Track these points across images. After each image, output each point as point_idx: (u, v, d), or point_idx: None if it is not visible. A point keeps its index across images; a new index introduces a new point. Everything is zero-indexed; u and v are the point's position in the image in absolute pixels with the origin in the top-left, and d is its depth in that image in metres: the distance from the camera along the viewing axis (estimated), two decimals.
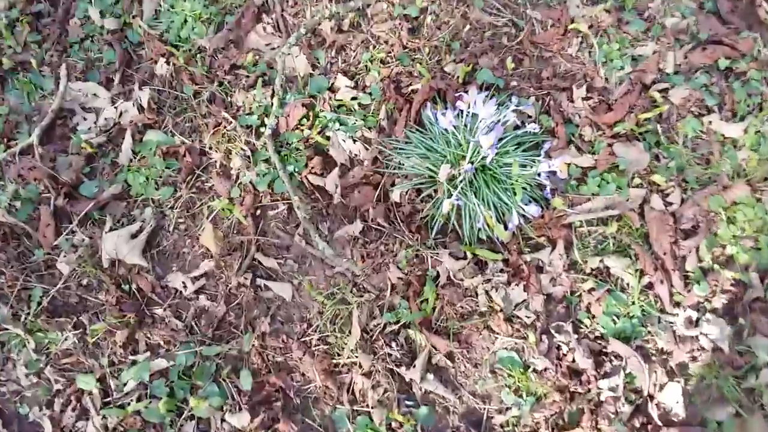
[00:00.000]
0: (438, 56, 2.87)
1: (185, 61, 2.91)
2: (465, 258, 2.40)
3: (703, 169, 2.59)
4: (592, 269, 2.45)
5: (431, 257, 2.41)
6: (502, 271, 2.41)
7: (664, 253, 2.43)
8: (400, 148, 2.65)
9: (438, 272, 2.41)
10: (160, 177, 2.74)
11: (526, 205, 2.49)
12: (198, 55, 2.97)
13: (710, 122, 2.66)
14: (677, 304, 2.38)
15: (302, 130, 2.73)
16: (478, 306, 2.41)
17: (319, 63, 2.93)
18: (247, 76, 2.91)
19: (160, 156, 2.75)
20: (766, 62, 2.75)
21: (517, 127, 2.66)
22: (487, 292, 2.42)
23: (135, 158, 2.78)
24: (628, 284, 2.41)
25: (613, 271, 2.43)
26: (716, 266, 2.42)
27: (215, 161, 2.75)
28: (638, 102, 2.68)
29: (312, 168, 2.58)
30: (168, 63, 2.94)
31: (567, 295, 2.42)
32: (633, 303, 2.33)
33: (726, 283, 2.38)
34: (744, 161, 2.58)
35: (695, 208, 2.51)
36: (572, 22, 2.89)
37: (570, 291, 2.43)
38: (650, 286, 2.36)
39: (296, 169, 2.57)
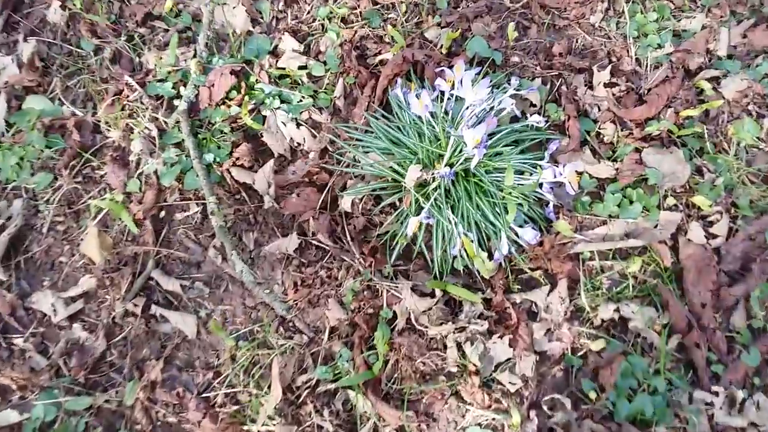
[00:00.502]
0: (418, 17, 2.24)
1: (86, 6, 2.24)
2: (432, 295, 1.92)
3: (761, 190, 1.96)
4: (604, 321, 1.87)
5: (387, 291, 1.92)
6: (481, 316, 1.91)
7: (703, 305, 1.84)
8: (358, 139, 2.06)
9: (395, 312, 1.91)
10: (38, 159, 2.12)
11: (519, 227, 1.91)
12: None
13: None
14: (717, 378, 1.79)
15: (229, 107, 2.13)
16: (445, 364, 1.86)
17: (262, 18, 2.29)
18: (165, 30, 2.27)
19: (41, 130, 2.12)
20: None
21: (515, 119, 2.06)
22: (459, 345, 1.87)
23: (8, 132, 2.13)
24: (651, 345, 1.85)
25: (632, 325, 1.84)
26: None
27: (111, 142, 2.11)
28: (679, 94, 2.06)
29: (238, 158, 2.01)
30: (63, 8, 2.29)
31: (567, 354, 1.85)
32: (657, 373, 1.80)
33: None
34: None
35: (747, 244, 1.91)
36: None
37: (571, 349, 1.85)
38: (681, 349, 1.87)
39: (217, 159, 2.05)
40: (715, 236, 1.97)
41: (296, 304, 1.95)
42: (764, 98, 2.11)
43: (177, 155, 2.10)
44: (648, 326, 1.86)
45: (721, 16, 2.23)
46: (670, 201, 2.01)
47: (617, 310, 1.90)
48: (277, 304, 1.90)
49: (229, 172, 2.07)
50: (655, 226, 1.99)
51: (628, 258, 1.97)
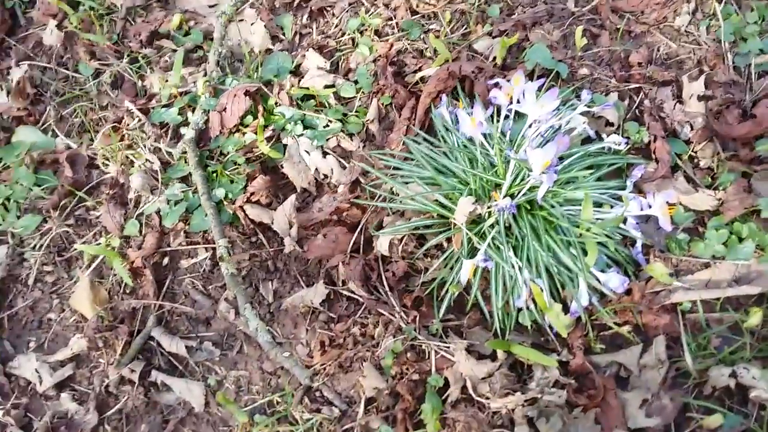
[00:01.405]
0: (465, 26, 2.00)
1: (85, 25, 2.07)
2: (494, 358, 1.66)
3: None
4: (716, 389, 1.56)
5: (436, 353, 1.65)
6: (557, 384, 1.61)
7: None
8: (396, 168, 1.78)
9: (446, 379, 1.65)
10: (26, 199, 1.94)
11: (602, 272, 1.59)
12: (106, 18, 2.13)
13: None
14: None
15: (244, 134, 1.89)
16: None
17: (283, 34, 2.07)
18: (173, 51, 2.07)
19: (30, 166, 1.94)
20: None
21: (587, 140, 1.76)
22: (530, 421, 1.59)
23: None
24: None
25: (755, 395, 1.55)
26: None
27: (109, 178, 1.90)
28: None
29: (253, 194, 1.79)
30: (60, 28, 2.11)
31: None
32: None
33: None
34: None
35: None
36: None
37: (675, 425, 1.48)
38: None
39: (229, 195, 1.90)
40: None
41: (324, 368, 1.69)
42: None
43: (182, 191, 1.91)
44: None
45: None
46: None
47: (733, 374, 1.56)
48: (299, 370, 1.61)
49: (243, 210, 1.84)
50: None
51: (742, 309, 1.63)
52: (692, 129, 1.86)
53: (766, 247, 1.70)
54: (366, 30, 2.10)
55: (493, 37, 2.03)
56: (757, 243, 1.70)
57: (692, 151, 1.85)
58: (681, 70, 1.97)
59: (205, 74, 2.03)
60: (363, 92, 2.03)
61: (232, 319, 1.78)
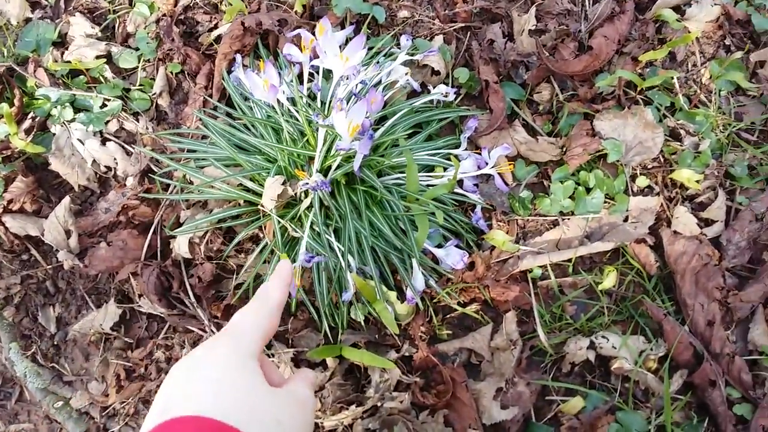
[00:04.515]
0: None
1: None
2: (324, 366, 1.42)
3: (762, 151, 1.53)
4: (575, 365, 1.40)
5: None
6: (399, 386, 1.42)
7: (710, 323, 1.40)
8: (191, 150, 1.49)
9: None
10: None
11: (438, 247, 1.40)
12: None
13: (762, 62, 1.59)
14: (743, 423, 1.35)
15: None
16: None
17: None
18: None
19: None
20: None
21: (413, 94, 1.54)
22: None
23: None
24: (647, 390, 1.39)
25: (617, 366, 1.40)
26: None
27: None
28: (633, 32, 1.60)
29: (14, 201, 1.41)
30: None
31: (531, 422, 1.33)
32: (662, 430, 1.36)
33: None
34: None
35: (754, 227, 1.48)
36: None
37: (536, 413, 1.33)
38: (690, 389, 1.42)
39: None
40: (710, 222, 1.54)
41: (124, 407, 1.40)
42: (746, 26, 1.67)
43: None
44: (639, 364, 1.39)
45: None
46: (642, 181, 1.57)
47: (592, 346, 1.42)
48: (72, 424, 1.33)
49: (2, 223, 1.50)
50: (626, 219, 1.52)
51: (596, 269, 1.49)
52: (527, 69, 1.68)
53: (616, 195, 1.56)
54: None
55: None
56: (606, 192, 1.56)
57: (529, 95, 1.68)
58: (511, 2, 1.79)
59: None
60: (146, 60, 1.72)
61: (4, 361, 1.48)
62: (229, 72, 1.64)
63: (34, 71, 1.64)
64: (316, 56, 1.49)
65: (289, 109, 1.51)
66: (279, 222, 1.42)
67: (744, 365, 1.41)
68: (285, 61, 1.63)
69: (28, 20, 1.77)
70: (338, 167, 1.42)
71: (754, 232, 1.52)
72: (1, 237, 1.53)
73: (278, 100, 1.47)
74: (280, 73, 1.48)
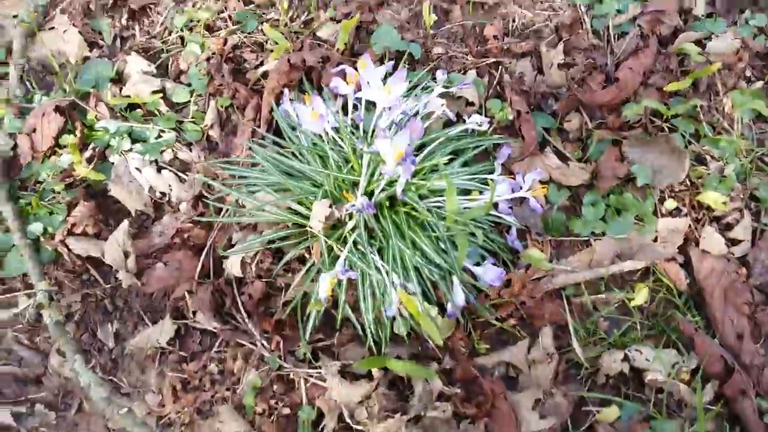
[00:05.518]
0: (306, 13, 1.85)
1: None
2: (370, 378, 1.51)
3: None
4: (610, 377, 1.48)
5: (306, 380, 1.50)
6: (441, 396, 1.49)
7: (739, 336, 1.48)
8: (242, 176, 1.61)
9: (320, 410, 1.50)
10: None
11: (476, 265, 1.50)
12: None
13: None
14: None
15: (60, 156, 1.65)
16: None
17: (102, 39, 1.86)
18: None
19: None
20: None
21: (448, 124, 1.65)
22: None
23: None
24: (680, 402, 1.48)
25: (650, 378, 1.49)
26: None
27: None
28: (657, 65, 1.71)
29: (75, 225, 1.55)
30: None
31: (569, 430, 1.39)
32: None
33: None
34: None
35: None
36: None
37: (572, 421, 1.40)
38: (721, 399, 1.50)
39: (48, 229, 1.70)
40: (737, 242, 1.66)
41: (180, 417, 1.49)
42: (765, 58, 1.78)
43: None
44: (672, 376, 1.47)
45: None
46: (670, 204, 1.68)
47: (626, 359, 1.51)
48: (138, 429, 1.41)
49: (66, 246, 1.62)
50: (655, 240, 1.61)
51: (627, 286, 1.57)
52: (557, 100, 1.80)
53: (645, 216, 1.65)
54: (194, 26, 1.92)
55: (338, 22, 1.91)
56: (636, 214, 1.66)
57: (559, 123, 1.79)
58: (539, 39, 1.92)
59: (8, 95, 1.80)
60: (198, 95, 1.86)
61: (67, 374, 1.58)
62: (278, 104, 1.76)
63: (95, 105, 1.78)
64: (359, 89, 1.61)
65: (334, 138, 1.63)
66: (326, 242, 1.52)
67: None
68: (329, 94, 1.75)
69: (86, 58, 1.92)
70: (382, 191, 1.53)
71: None
72: (64, 258, 1.65)
73: (324, 130, 1.59)
74: (325, 104, 1.61)
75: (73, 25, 1.95)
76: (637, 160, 1.71)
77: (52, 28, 1.96)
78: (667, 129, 1.75)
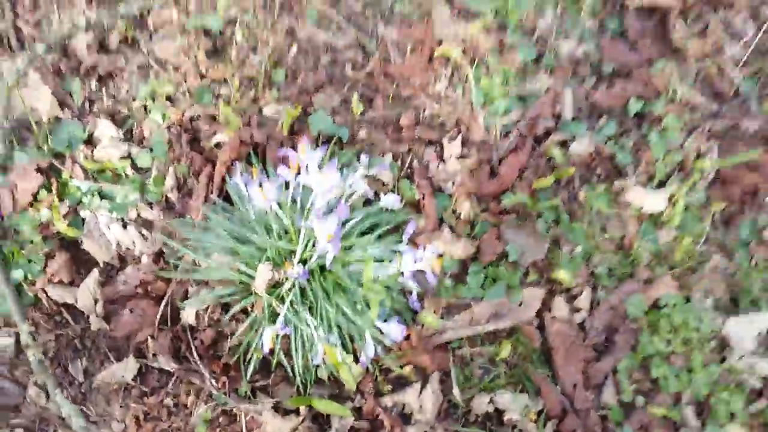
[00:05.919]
0: (253, 92, 2.19)
1: None
2: (297, 413, 1.87)
3: (618, 258, 2.12)
4: (479, 415, 1.93)
5: (246, 414, 1.80)
6: (352, 429, 1.87)
7: (574, 386, 1.96)
8: (197, 238, 1.95)
9: None
10: None
11: (384, 321, 1.89)
12: None
13: (622, 189, 2.19)
14: None
15: (39, 210, 1.94)
16: None
17: (72, 100, 2.15)
18: None
19: None
20: (685, 104, 2.33)
21: (367, 202, 2.06)
22: None
23: None
24: None
25: (508, 417, 1.94)
26: (639, 398, 1.96)
27: None
28: (530, 162, 2.17)
29: (54, 273, 1.84)
30: None
31: None
32: None
33: (654, 424, 1.93)
34: (667, 245, 2.15)
35: (609, 315, 2.07)
36: (440, 44, 2.34)
37: None
38: None
39: (28, 276, 1.93)
40: (578, 310, 2.10)
41: None
42: (611, 160, 2.28)
43: None
44: (523, 416, 1.94)
45: (565, 77, 2.39)
46: (533, 277, 2.12)
47: (491, 401, 1.97)
48: None
49: (45, 291, 1.93)
50: (520, 305, 2.08)
51: (497, 343, 2.05)
52: (453, 185, 2.23)
53: (514, 286, 2.13)
54: (157, 96, 2.21)
55: (280, 103, 2.25)
56: (507, 283, 2.13)
57: (454, 205, 2.22)
58: (444, 130, 2.32)
59: None
60: (159, 161, 2.10)
61: (43, 404, 1.88)
62: (229, 175, 2.09)
63: (71, 167, 2.06)
64: (298, 171, 1.97)
65: (277, 212, 2.00)
66: (267, 300, 1.91)
67: (598, 419, 1.99)
68: (273, 169, 2.11)
69: (57, 118, 2.17)
70: (315, 260, 1.92)
71: (609, 319, 2.12)
72: (42, 302, 1.95)
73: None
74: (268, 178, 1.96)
75: (44, 83, 2.19)
76: (510, 240, 2.14)
77: (26, 85, 2.18)
78: (535, 215, 2.22)
